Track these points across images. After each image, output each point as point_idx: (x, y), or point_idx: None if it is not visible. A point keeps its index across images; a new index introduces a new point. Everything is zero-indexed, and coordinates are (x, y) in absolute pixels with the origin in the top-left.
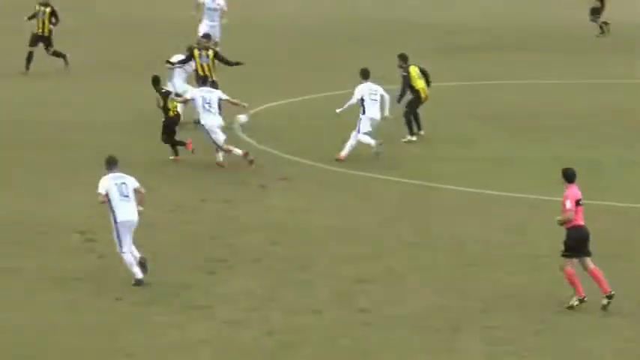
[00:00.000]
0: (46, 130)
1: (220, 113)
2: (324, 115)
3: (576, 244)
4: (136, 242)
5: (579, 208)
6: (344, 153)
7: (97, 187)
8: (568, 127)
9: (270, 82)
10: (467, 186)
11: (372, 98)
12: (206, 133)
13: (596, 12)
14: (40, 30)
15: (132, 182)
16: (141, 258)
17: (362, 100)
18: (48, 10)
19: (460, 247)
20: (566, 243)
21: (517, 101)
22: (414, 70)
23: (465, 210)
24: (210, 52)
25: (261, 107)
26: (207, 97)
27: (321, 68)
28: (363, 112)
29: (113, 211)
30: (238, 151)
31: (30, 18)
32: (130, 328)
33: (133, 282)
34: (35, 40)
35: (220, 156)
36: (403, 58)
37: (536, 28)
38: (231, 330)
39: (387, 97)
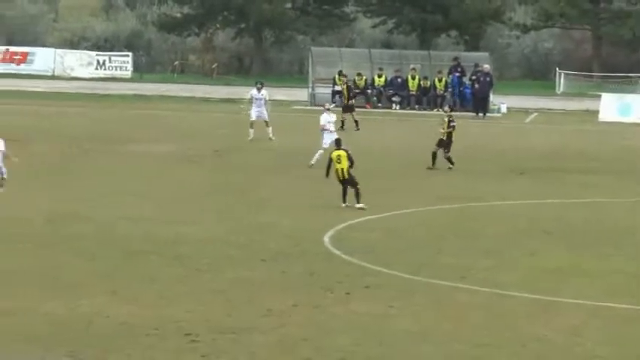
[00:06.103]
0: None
1: None
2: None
3: None
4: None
5: None
6: None
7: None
8: (631, 243)
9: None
10: (530, 293)
11: None
12: None
13: None
14: None
15: None
16: None
17: None
18: None
19: (523, 348)
20: None
21: (581, 217)
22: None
23: (528, 314)
24: None
25: (359, 220)
26: None
27: (393, 189)
28: None
29: None
30: None
31: None
32: None
33: None
34: None
35: None
36: None
37: (596, 153)
38: None
39: None
